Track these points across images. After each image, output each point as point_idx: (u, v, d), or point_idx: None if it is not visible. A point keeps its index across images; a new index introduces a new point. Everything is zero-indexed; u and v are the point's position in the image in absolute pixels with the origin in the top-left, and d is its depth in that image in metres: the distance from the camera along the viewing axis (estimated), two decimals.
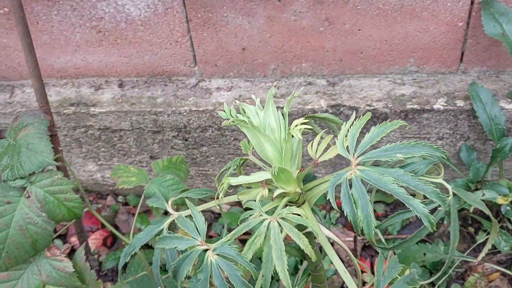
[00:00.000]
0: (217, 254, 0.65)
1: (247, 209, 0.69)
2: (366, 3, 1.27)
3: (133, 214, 1.16)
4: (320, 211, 1.46)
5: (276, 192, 0.68)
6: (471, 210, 1.30)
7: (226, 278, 0.65)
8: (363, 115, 0.66)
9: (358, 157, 0.62)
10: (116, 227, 1.48)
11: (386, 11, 1.28)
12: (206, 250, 0.67)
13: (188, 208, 0.76)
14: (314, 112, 1.33)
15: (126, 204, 1.56)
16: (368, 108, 1.30)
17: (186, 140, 1.44)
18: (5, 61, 1.51)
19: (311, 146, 0.68)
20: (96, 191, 1.65)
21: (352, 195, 0.59)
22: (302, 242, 0.61)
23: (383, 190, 0.58)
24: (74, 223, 0.94)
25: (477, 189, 1.28)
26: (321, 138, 0.68)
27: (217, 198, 0.75)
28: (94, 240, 1.41)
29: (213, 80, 1.48)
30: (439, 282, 1.20)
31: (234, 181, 0.69)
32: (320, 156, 0.67)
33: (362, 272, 1.27)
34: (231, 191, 0.91)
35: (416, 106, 1.29)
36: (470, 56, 1.34)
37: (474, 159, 1.31)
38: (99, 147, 1.50)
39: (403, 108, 1.29)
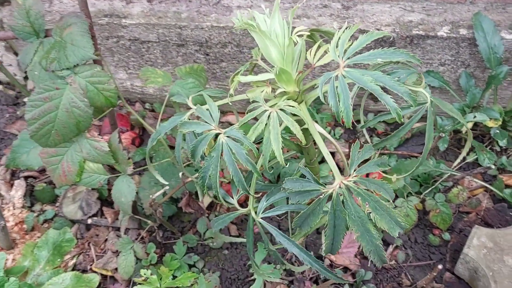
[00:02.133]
0: (227, 136, 0.80)
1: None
2: None
3: (159, 119, 1.31)
4: (326, 127, 1.60)
5: (278, 90, 0.82)
6: (463, 132, 1.43)
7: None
8: None
9: (345, 60, 0.74)
10: (144, 130, 1.66)
11: None
12: (218, 134, 0.82)
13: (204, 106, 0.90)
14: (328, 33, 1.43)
15: (152, 110, 1.73)
16: (376, 32, 1.40)
17: (207, 55, 1.57)
18: None
19: (310, 52, 0.81)
20: (126, 98, 1.81)
21: (336, 90, 0.72)
22: (295, 128, 0.76)
23: (363, 87, 0.71)
24: (109, 116, 1.10)
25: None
26: (319, 46, 0.80)
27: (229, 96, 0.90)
28: (124, 140, 1.59)
29: None
30: (426, 192, 1.35)
31: (243, 79, 0.83)
32: (317, 61, 0.80)
33: None
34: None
35: (421, 32, 1.38)
36: None
37: (472, 85, 1.41)
38: (129, 57, 1.64)
39: (409, 34, 1.38)
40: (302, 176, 0.79)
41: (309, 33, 0.79)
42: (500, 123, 1.34)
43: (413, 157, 1.47)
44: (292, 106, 0.77)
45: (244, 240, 1.18)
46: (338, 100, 0.72)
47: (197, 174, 0.89)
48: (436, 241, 1.28)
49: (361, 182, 0.74)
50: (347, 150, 1.52)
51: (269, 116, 0.78)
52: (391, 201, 0.77)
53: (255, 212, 0.86)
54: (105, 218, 1.41)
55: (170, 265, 1.22)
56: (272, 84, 0.84)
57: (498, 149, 1.43)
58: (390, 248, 1.29)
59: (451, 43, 1.38)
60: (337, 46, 0.76)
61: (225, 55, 1.55)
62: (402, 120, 0.73)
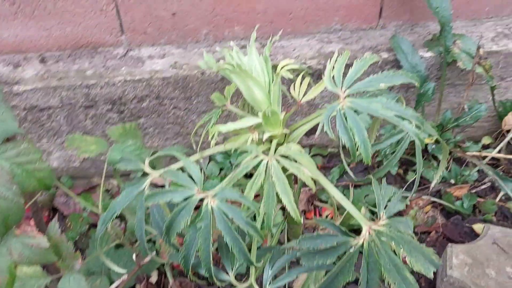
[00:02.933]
0: (219, 200, 0.65)
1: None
2: None
3: (73, 195, 1.09)
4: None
5: (266, 135, 0.70)
6: (405, 154, 1.43)
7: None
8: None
9: (346, 89, 0.66)
10: (56, 210, 1.40)
11: None
12: (204, 198, 0.67)
13: (160, 169, 0.75)
14: None
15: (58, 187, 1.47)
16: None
17: (122, 112, 1.39)
18: None
19: (294, 88, 0.71)
20: None
21: (347, 123, 0.63)
22: (303, 174, 0.64)
23: (374, 115, 0.63)
24: (45, 199, 0.87)
25: None
26: (302, 79, 0.71)
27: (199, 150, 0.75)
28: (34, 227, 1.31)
29: (143, 49, 1.43)
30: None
31: (223, 128, 0.69)
32: (303, 96, 0.71)
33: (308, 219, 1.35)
34: (204, 145, 0.89)
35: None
36: (387, 11, 1.45)
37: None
38: (25, 129, 1.39)
39: None
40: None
41: (297, 67, 0.69)
42: (435, 138, 1.37)
43: (359, 186, 1.43)
44: (296, 150, 0.65)
45: None
46: (353, 135, 0.62)
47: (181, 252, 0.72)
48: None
49: (393, 225, 0.65)
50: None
51: (267, 165, 0.66)
52: (415, 237, 0.69)
53: (261, 285, 0.72)
54: None
55: None
56: (256, 129, 0.72)
57: (435, 163, 1.46)
58: None
59: (376, 67, 1.39)
60: (333, 77, 0.67)
61: (143, 110, 1.39)
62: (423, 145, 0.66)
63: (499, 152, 1.43)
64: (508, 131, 1.43)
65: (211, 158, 1.47)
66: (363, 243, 0.63)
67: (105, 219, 0.77)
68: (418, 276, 1.22)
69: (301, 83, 0.71)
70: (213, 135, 0.70)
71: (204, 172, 1.49)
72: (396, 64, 1.38)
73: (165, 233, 0.70)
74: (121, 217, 1.32)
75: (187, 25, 1.40)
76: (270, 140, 0.72)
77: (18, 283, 0.80)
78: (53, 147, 1.43)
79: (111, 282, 1.02)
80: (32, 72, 1.35)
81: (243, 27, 1.43)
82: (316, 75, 1.38)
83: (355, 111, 0.64)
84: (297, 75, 0.78)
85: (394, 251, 0.64)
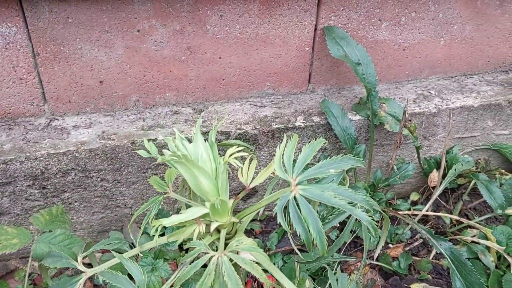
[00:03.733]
0: None
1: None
2: (225, 33, 1.32)
3: None
4: None
5: (213, 226, 0.66)
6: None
7: None
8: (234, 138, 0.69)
9: (296, 177, 0.64)
10: None
11: (243, 39, 1.35)
12: None
13: (97, 265, 0.68)
14: (189, 140, 1.32)
15: None
16: (238, 131, 1.34)
17: (44, 188, 1.28)
18: None
19: (241, 172, 0.68)
20: None
21: (301, 214, 0.60)
22: (257, 272, 0.61)
23: (327, 204, 0.61)
24: None
25: None
26: (250, 162, 0.68)
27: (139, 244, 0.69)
28: None
29: (67, 118, 1.35)
30: (322, 285, 1.29)
31: (167, 222, 0.64)
32: (252, 181, 0.68)
33: None
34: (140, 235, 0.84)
35: (280, 125, 1.38)
36: (316, 77, 1.49)
37: None
38: None
39: (270, 129, 1.37)
40: None
41: (246, 154, 0.66)
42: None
43: (286, 252, 1.41)
44: (248, 244, 0.62)
45: None
46: (308, 227, 0.60)
47: None
48: None
49: None
50: None
51: (217, 262, 0.61)
52: None
53: None
54: None
55: None
56: (203, 218, 0.68)
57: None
58: None
59: (308, 131, 1.41)
60: (283, 164, 0.65)
61: (67, 184, 1.29)
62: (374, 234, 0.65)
63: (427, 210, 1.49)
64: (433, 188, 1.50)
65: (144, 230, 1.38)
66: None
67: None
68: None
69: (248, 167, 0.69)
70: (156, 228, 0.64)
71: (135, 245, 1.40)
72: (327, 127, 1.41)
73: None
74: None
75: (116, 92, 1.34)
76: (218, 230, 0.68)
77: None
78: None
79: None
80: None
81: (174, 93, 1.40)
82: (252, 140, 1.37)
83: (308, 200, 0.62)
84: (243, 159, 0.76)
85: None
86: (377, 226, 1.45)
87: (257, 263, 0.65)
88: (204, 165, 0.65)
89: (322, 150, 1.47)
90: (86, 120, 1.35)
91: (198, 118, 1.38)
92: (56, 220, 0.89)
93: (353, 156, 1.35)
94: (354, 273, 1.29)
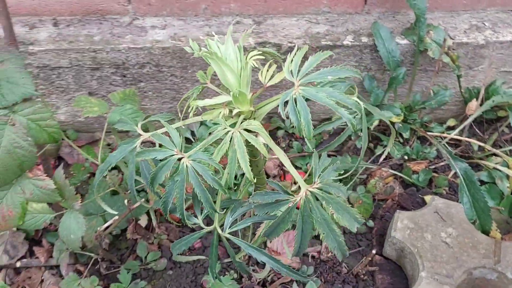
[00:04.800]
0: (192, 160, 0.83)
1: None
2: None
3: (76, 147, 1.27)
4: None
5: (235, 111, 0.87)
6: (372, 128, 1.59)
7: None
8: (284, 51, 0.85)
9: (300, 79, 0.82)
10: (61, 159, 1.58)
11: None
12: (180, 159, 0.84)
13: (151, 131, 0.92)
14: (244, 48, 1.50)
15: (67, 137, 1.65)
16: (289, 44, 1.50)
17: (125, 76, 1.55)
18: None
19: (261, 73, 0.87)
20: None
21: (296, 107, 0.79)
22: (258, 145, 0.81)
23: (319, 102, 0.79)
24: (53, 150, 1.05)
25: None
26: (269, 67, 0.87)
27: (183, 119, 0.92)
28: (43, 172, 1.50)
29: (147, 19, 1.58)
30: (347, 186, 1.49)
31: (201, 103, 0.86)
32: (269, 81, 0.87)
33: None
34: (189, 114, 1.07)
35: (329, 42, 1.52)
36: None
37: (374, 87, 1.58)
38: (37, 85, 1.55)
39: (319, 44, 1.51)
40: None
41: (263, 57, 0.85)
42: (402, 118, 1.53)
43: (332, 155, 1.60)
44: (255, 125, 0.82)
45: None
46: (299, 116, 0.79)
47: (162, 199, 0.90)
48: (362, 229, 1.42)
49: (325, 188, 0.82)
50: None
51: (232, 136, 0.83)
52: (346, 199, 0.86)
53: (221, 229, 0.90)
54: (37, 258, 1.33)
55: None
56: (228, 105, 0.89)
57: (401, 140, 1.62)
58: (324, 243, 1.40)
59: (355, 50, 1.53)
60: (291, 68, 0.83)
61: (143, 75, 1.55)
62: (356, 129, 0.83)
63: (461, 134, 1.59)
64: (470, 115, 1.59)
65: (202, 122, 1.64)
66: (299, 200, 0.81)
67: (102, 169, 0.95)
68: (371, 237, 1.41)
69: (267, 70, 0.87)
70: (192, 108, 0.86)
71: (195, 134, 1.67)
72: (374, 48, 1.53)
73: (150, 184, 0.88)
74: (119, 169, 1.51)
75: None
76: (238, 115, 0.89)
77: (28, 217, 1.00)
78: (61, 103, 1.60)
79: (105, 222, 1.21)
80: (45, 34, 1.51)
81: (238, 4, 1.56)
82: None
83: (306, 99, 0.80)
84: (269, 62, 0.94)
85: (325, 208, 0.81)
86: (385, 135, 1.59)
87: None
88: (230, 63, 0.85)
89: (367, 70, 1.59)
90: (162, 22, 1.57)
91: (256, 28, 1.55)
92: (128, 98, 1.15)
93: (394, 77, 1.47)
94: (374, 178, 1.47)
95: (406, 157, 1.56)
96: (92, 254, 1.23)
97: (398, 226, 1.28)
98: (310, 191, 0.82)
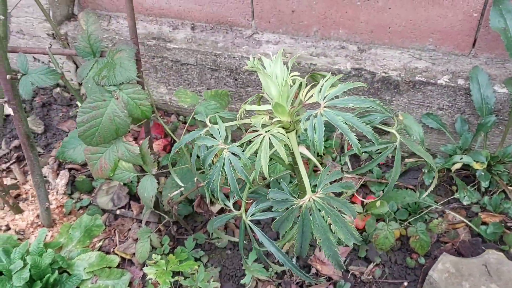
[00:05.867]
0: (229, 151, 1.01)
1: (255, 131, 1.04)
2: None
3: (188, 131, 1.54)
4: (333, 153, 1.78)
5: (274, 119, 1.03)
6: (453, 171, 1.58)
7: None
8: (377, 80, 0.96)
9: (325, 102, 0.94)
10: (174, 141, 1.90)
11: None
12: (223, 149, 1.03)
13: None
14: (339, 72, 1.63)
15: (184, 122, 1.97)
16: (383, 74, 1.59)
17: (236, 80, 1.80)
18: None
19: (303, 92, 1.02)
20: (164, 110, 2.07)
21: (314, 125, 0.92)
22: (280, 150, 0.96)
23: (334, 124, 0.91)
24: (144, 125, 1.33)
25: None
26: (310, 88, 1.01)
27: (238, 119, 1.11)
28: (157, 146, 1.83)
29: (265, 34, 1.81)
30: (411, 219, 1.52)
31: (248, 107, 1.04)
32: (307, 100, 1.01)
33: (354, 203, 1.61)
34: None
35: (423, 78, 1.56)
36: (481, 43, 1.57)
37: (465, 130, 1.57)
38: (170, 75, 1.90)
39: (412, 79, 1.56)
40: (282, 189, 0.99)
41: (299, 77, 0.99)
42: (485, 166, 1.49)
43: (408, 188, 1.63)
44: (281, 133, 0.97)
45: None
46: (314, 133, 0.92)
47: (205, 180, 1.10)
48: (412, 264, 1.44)
49: (326, 199, 0.93)
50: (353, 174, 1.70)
51: (263, 139, 0.99)
52: (351, 217, 0.96)
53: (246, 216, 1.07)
54: (131, 211, 1.65)
55: (179, 256, 1.44)
56: (271, 114, 1.05)
57: (483, 190, 1.57)
58: (371, 266, 1.45)
59: (449, 91, 1.55)
60: (320, 91, 0.96)
61: (251, 82, 1.77)
62: (362, 154, 0.92)
63: None
64: None
65: None
66: (301, 204, 0.94)
67: (175, 147, 1.19)
68: (420, 273, 1.42)
69: (309, 90, 1.01)
70: (241, 110, 1.05)
71: None
72: (469, 92, 1.52)
73: (202, 164, 1.09)
74: None
75: (302, 21, 1.72)
76: (278, 123, 1.04)
77: (118, 171, 1.28)
78: None
79: (182, 194, 1.47)
80: (182, 35, 1.83)
81: (346, 31, 1.70)
82: (393, 85, 1.59)
83: (324, 118, 0.92)
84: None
85: (324, 218, 0.93)
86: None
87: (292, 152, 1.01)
88: (275, 79, 1.01)
89: (460, 113, 1.59)
90: (276, 38, 1.78)
91: (357, 56, 1.67)
92: (217, 97, 1.38)
93: (482, 123, 1.47)
94: (437, 219, 1.47)
95: (481, 207, 1.52)
96: (166, 217, 1.49)
97: (438, 267, 1.29)
98: (313, 198, 0.94)
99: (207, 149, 1.08)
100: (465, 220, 1.49)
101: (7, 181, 1.75)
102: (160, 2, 1.86)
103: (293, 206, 0.95)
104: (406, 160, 1.66)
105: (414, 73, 1.58)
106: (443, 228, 1.46)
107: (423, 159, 1.59)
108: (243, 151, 1.00)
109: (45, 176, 1.75)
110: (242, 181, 1.08)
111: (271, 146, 0.98)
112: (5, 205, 1.62)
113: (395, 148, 1.06)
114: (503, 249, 1.42)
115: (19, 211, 1.62)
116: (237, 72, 1.77)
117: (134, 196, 1.70)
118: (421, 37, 1.62)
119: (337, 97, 0.95)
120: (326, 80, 0.97)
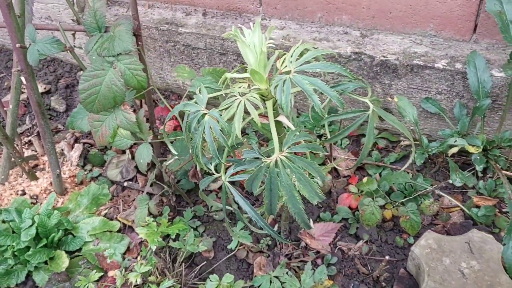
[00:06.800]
0: (209, 116, 1.08)
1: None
2: None
3: (161, 96, 1.64)
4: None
5: (253, 87, 1.09)
6: (449, 155, 1.59)
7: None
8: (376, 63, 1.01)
9: (295, 67, 1.00)
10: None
11: None
12: (204, 114, 1.10)
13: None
14: (340, 56, 1.67)
15: None
16: (382, 58, 1.62)
17: (244, 63, 1.87)
18: None
19: (279, 61, 1.08)
20: (178, 93, 2.16)
21: (283, 88, 0.98)
22: (253, 111, 1.02)
23: (301, 87, 0.96)
24: (146, 96, 1.43)
25: None
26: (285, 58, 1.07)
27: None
28: (168, 126, 1.93)
29: (272, 20, 1.87)
30: (404, 200, 1.53)
31: (229, 75, 1.11)
32: (284, 68, 1.07)
33: (350, 183, 1.64)
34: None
35: (421, 62, 1.57)
36: (481, 29, 1.57)
37: (463, 115, 1.58)
38: (182, 59, 1.99)
39: (410, 63, 1.58)
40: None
41: (274, 46, 1.05)
42: (480, 150, 1.49)
43: (404, 171, 1.65)
44: (255, 97, 1.04)
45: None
46: (282, 95, 0.97)
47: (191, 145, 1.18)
48: (401, 243, 1.46)
49: (292, 158, 0.99)
50: (349, 157, 1.73)
51: (239, 103, 1.05)
52: (317, 178, 1.00)
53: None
54: (138, 183, 1.75)
55: (176, 224, 1.52)
56: (251, 82, 1.12)
57: (480, 175, 1.57)
58: (360, 242, 1.48)
59: (447, 75, 1.56)
60: (291, 58, 1.01)
61: None
62: (325, 114, 0.97)
63: None
64: None
65: None
66: (269, 163, 0.99)
67: (168, 116, 1.27)
68: (403, 250, 1.44)
69: (284, 59, 1.07)
70: (222, 79, 1.12)
71: None
72: (465, 77, 1.53)
73: (188, 130, 1.16)
74: None
75: (307, 7, 1.78)
76: (256, 90, 1.11)
77: (117, 138, 1.38)
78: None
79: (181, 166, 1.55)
80: (194, 20, 1.93)
81: (349, 17, 1.73)
82: (392, 69, 1.62)
83: (292, 82, 0.98)
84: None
85: (289, 176, 0.98)
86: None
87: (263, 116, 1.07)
88: (253, 47, 1.07)
89: (459, 97, 1.59)
90: (282, 24, 1.84)
91: (359, 40, 1.70)
92: (214, 73, 1.45)
93: (477, 107, 1.47)
94: (428, 200, 1.49)
95: (478, 193, 1.52)
96: (165, 186, 1.58)
97: (421, 243, 1.31)
98: (280, 157, 0.99)
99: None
100: (457, 203, 1.50)
101: (28, 152, 1.89)
102: None
103: (262, 165, 1.00)
104: (403, 143, 1.68)
105: (412, 57, 1.60)
106: (434, 209, 1.47)
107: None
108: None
109: (62, 149, 1.88)
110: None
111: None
112: (23, 172, 1.75)
113: (367, 117, 1.10)
114: (493, 232, 1.42)
115: (35, 178, 1.75)
116: None
117: (140, 171, 1.80)
118: (422, 22, 1.64)
119: (307, 63, 1.01)
120: (297, 47, 1.03)
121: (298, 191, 1.00)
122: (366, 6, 1.68)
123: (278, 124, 1.15)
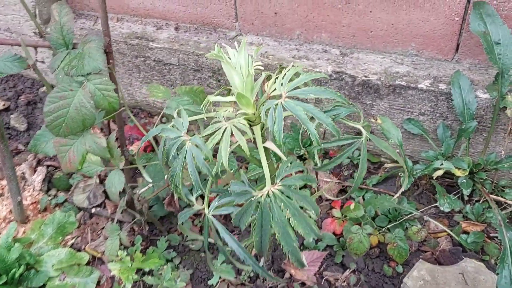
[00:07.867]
0: (191, 143, 0.99)
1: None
2: None
3: (134, 119, 1.53)
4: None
5: (239, 111, 1.00)
6: (434, 177, 1.54)
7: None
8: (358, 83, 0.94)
9: (286, 92, 0.92)
10: (156, 141, 1.88)
11: None
12: (186, 140, 1.01)
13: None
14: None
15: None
16: (364, 78, 1.56)
17: (219, 81, 1.78)
18: None
19: (267, 84, 0.99)
20: (148, 111, 2.05)
21: (274, 115, 0.90)
22: (240, 140, 0.94)
23: (295, 115, 0.89)
24: (116, 118, 1.32)
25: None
26: (275, 80, 0.99)
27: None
28: (136, 145, 1.81)
29: (249, 36, 1.80)
30: (390, 226, 1.48)
31: (212, 98, 1.02)
32: (271, 92, 0.99)
33: (333, 208, 1.58)
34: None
35: (404, 83, 1.53)
36: (464, 48, 1.55)
37: (447, 136, 1.54)
38: (153, 75, 1.88)
39: (392, 83, 1.54)
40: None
41: (262, 68, 0.97)
42: (466, 173, 1.46)
43: (389, 194, 1.60)
44: (243, 124, 0.95)
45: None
46: (274, 123, 0.89)
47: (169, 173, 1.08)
48: (389, 272, 1.39)
49: (286, 192, 0.90)
50: (331, 179, 1.67)
51: (224, 130, 0.97)
52: (313, 212, 0.92)
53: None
54: (106, 209, 1.62)
55: (150, 256, 1.40)
56: (236, 106, 1.03)
57: (466, 198, 1.54)
58: (347, 272, 1.41)
59: (430, 95, 1.52)
60: (282, 82, 0.94)
61: None
62: (321, 144, 0.90)
63: None
64: None
65: None
66: (261, 196, 0.91)
67: (142, 140, 1.16)
68: (397, 282, 1.38)
69: (274, 82, 0.99)
70: (205, 102, 1.03)
71: None
72: (449, 97, 1.49)
73: (166, 157, 1.06)
74: None
75: (285, 24, 1.71)
76: (243, 115, 1.02)
77: (86, 164, 1.26)
78: None
79: (153, 192, 1.44)
80: (166, 35, 1.83)
81: (328, 35, 1.68)
82: (374, 89, 1.57)
83: (284, 108, 0.90)
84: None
85: (283, 211, 0.90)
86: None
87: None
88: (239, 69, 0.99)
89: (443, 118, 1.56)
90: (260, 41, 1.77)
91: (339, 59, 1.65)
92: (191, 93, 1.36)
93: (463, 129, 1.43)
94: (416, 226, 1.43)
95: (464, 217, 1.48)
96: (136, 214, 1.46)
97: (413, 274, 1.25)
98: (272, 191, 0.91)
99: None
100: (445, 229, 1.45)
101: None
102: (145, 3, 1.86)
103: (252, 199, 0.92)
104: (386, 165, 1.63)
105: (394, 77, 1.56)
106: (422, 235, 1.42)
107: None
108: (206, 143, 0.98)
109: (23, 173, 1.73)
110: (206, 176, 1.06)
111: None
112: None
113: (360, 144, 1.03)
114: (483, 259, 1.37)
115: None
116: (220, 73, 1.75)
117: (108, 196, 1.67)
118: (403, 41, 1.60)
119: (298, 88, 0.93)
120: (288, 70, 0.95)
121: (293, 227, 0.92)
122: (346, 25, 1.63)
123: (265, 150, 1.07)
